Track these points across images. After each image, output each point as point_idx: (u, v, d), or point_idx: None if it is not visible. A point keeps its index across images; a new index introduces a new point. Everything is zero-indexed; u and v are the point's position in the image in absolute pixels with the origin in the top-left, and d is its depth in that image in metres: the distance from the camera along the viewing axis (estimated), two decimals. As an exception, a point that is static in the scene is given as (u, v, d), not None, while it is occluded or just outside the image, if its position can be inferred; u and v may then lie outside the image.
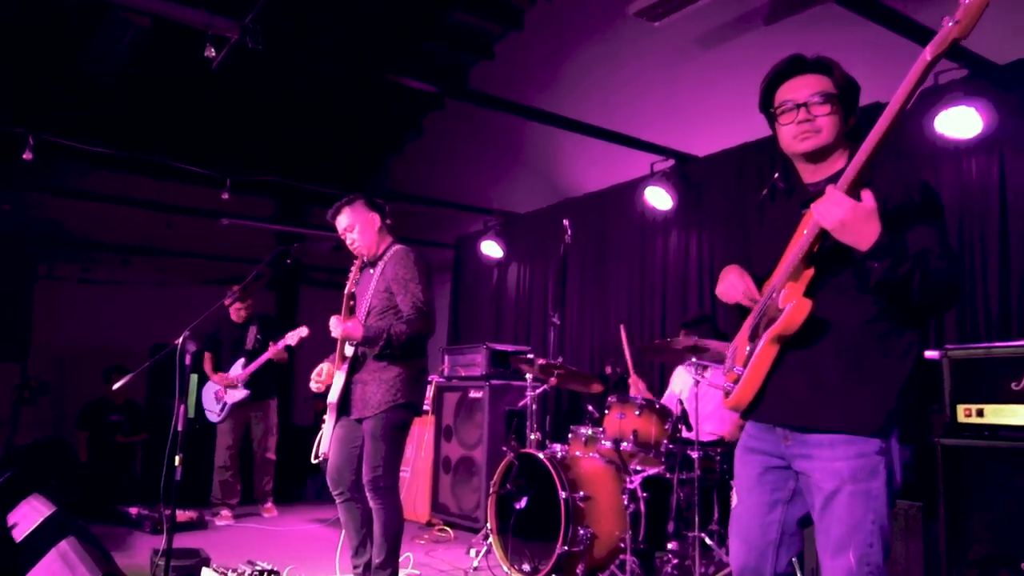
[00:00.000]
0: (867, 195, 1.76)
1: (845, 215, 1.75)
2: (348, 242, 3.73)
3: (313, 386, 3.70)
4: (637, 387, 4.94)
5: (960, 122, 4.03)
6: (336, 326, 3.45)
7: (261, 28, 3.96)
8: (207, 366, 6.42)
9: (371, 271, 3.70)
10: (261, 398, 6.36)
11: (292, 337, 5.93)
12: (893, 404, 1.85)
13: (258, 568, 3.39)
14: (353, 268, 3.60)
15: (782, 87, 2.04)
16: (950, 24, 1.60)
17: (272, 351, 6.09)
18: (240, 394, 6.24)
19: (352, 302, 3.59)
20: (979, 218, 4.17)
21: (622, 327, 5.21)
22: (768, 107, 2.09)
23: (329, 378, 3.66)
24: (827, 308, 1.89)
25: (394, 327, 3.44)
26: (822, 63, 2.01)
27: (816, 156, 2.01)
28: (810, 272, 1.91)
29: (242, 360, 6.30)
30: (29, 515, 3.25)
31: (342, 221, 3.71)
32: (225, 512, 6.19)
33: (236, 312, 6.41)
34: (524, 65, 7.78)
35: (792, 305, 1.87)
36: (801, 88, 1.99)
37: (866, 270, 1.79)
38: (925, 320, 1.92)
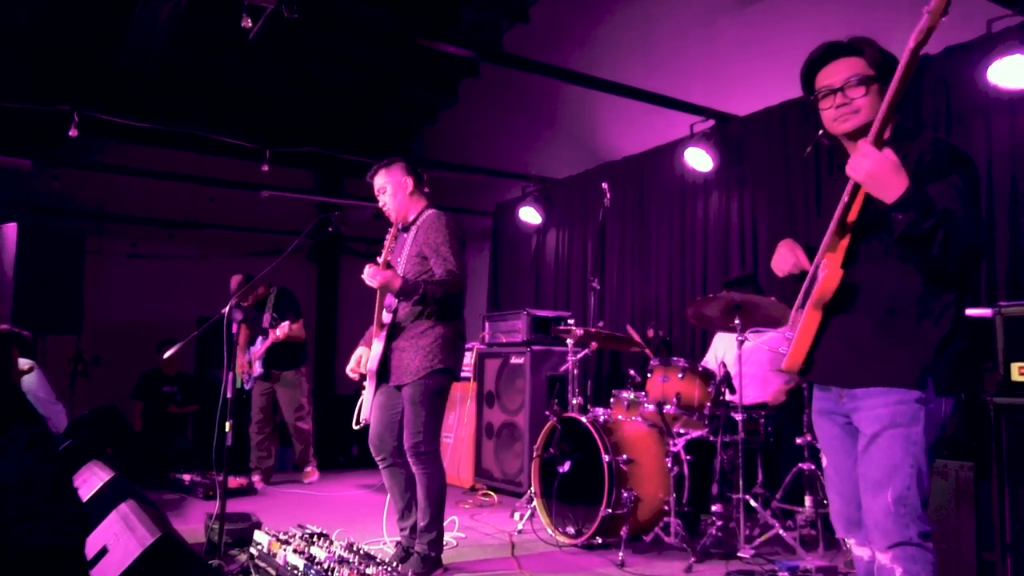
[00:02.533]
0: (888, 150, 1.86)
1: (873, 166, 1.85)
2: (380, 204, 3.77)
3: (351, 374, 3.76)
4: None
5: (1015, 71, 3.87)
6: (375, 274, 3.39)
7: (296, -3, 3.96)
8: (240, 340, 6.59)
9: (405, 236, 3.72)
10: (277, 369, 6.45)
11: (280, 331, 6.20)
12: (930, 360, 1.94)
13: (308, 531, 3.46)
14: (388, 236, 3.61)
15: (820, 73, 2.15)
16: (926, 12, 1.73)
17: (265, 342, 6.32)
18: (257, 371, 6.45)
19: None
20: (1034, 171, 4.03)
21: (628, 327, 5.13)
22: (809, 92, 2.21)
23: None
24: (864, 274, 2.02)
25: (429, 284, 3.45)
26: (854, 46, 2.11)
27: (857, 134, 2.08)
28: (845, 241, 2.03)
29: (260, 338, 6.45)
30: (90, 480, 3.37)
31: (377, 182, 3.75)
32: (256, 477, 6.38)
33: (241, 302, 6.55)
34: (559, 28, 7.67)
35: (825, 274, 2.01)
36: (836, 73, 2.10)
37: (893, 221, 1.87)
38: (962, 279, 2.00)
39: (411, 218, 3.74)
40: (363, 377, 3.72)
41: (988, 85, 3.99)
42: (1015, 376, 3.10)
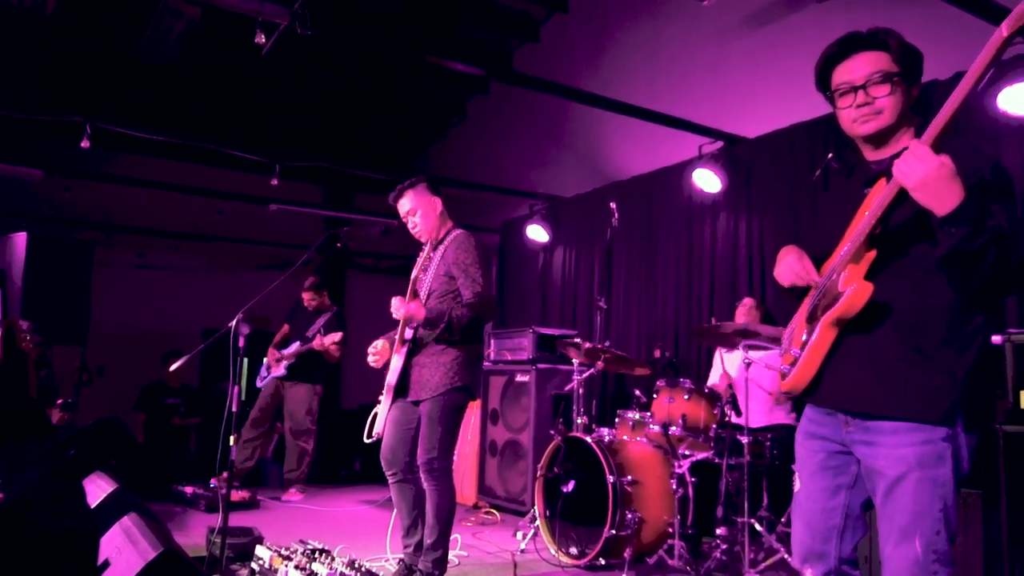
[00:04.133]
0: (946, 157, 1.66)
1: (929, 171, 1.65)
2: (410, 226, 3.74)
3: (371, 359, 3.72)
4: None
5: (1024, 98, 3.88)
6: (399, 307, 3.47)
7: (310, 14, 3.99)
8: (277, 337, 6.76)
9: (432, 254, 3.72)
10: (292, 379, 6.51)
11: (323, 342, 6.31)
12: (958, 391, 1.79)
13: (310, 547, 3.44)
14: (421, 256, 3.64)
15: (839, 67, 1.97)
16: None
17: (303, 347, 6.41)
18: (279, 371, 6.51)
19: (416, 286, 3.63)
20: (1044, 198, 4.02)
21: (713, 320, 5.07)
22: (826, 88, 2.02)
23: (385, 352, 3.68)
24: (889, 291, 1.83)
25: (455, 310, 3.46)
26: (878, 39, 1.92)
27: (879, 137, 1.95)
28: (872, 254, 1.85)
29: (298, 343, 6.51)
30: (93, 492, 3.35)
31: (404, 205, 3.71)
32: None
33: (307, 301, 6.72)
34: (569, 48, 7.72)
35: (852, 288, 1.81)
36: (858, 68, 1.92)
37: (941, 236, 1.69)
38: (992, 303, 1.83)
39: (440, 237, 3.74)
40: (381, 379, 3.71)
41: (998, 111, 4.00)
42: (1024, 404, 3.08)
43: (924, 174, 1.66)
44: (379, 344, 3.73)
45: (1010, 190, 1.82)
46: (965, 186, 1.67)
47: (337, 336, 6.29)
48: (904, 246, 1.84)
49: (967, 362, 1.80)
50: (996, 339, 3.17)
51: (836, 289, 1.90)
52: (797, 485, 2.09)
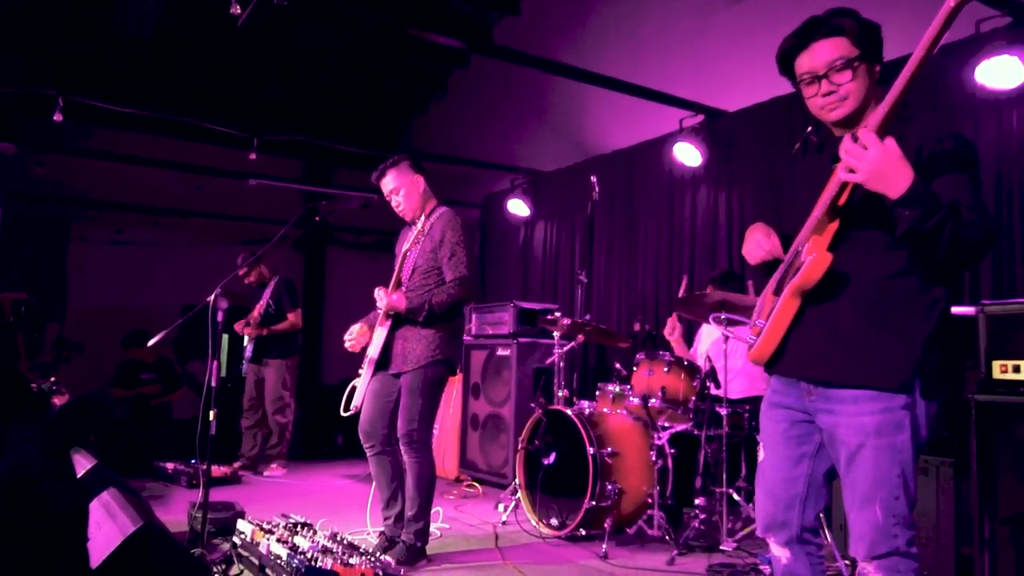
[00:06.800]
0: (891, 141, 1.69)
1: (877, 160, 1.68)
2: (393, 204, 3.73)
3: (347, 345, 3.74)
4: (675, 327, 4.88)
5: (1002, 72, 3.90)
6: (381, 298, 3.54)
7: (286, -16, 3.92)
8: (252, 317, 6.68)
9: (417, 231, 3.70)
10: (259, 359, 6.52)
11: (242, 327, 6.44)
12: (917, 359, 1.83)
13: (292, 521, 3.46)
14: (405, 230, 3.65)
15: (800, 56, 1.99)
16: None
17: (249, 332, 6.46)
18: (247, 354, 6.55)
19: (402, 262, 3.63)
20: (1020, 171, 4.06)
21: (684, 278, 5.10)
22: (790, 75, 2.05)
23: (362, 336, 3.69)
24: (850, 262, 1.87)
25: (435, 297, 3.48)
26: (834, 24, 1.93)
27: (848, 120, 1.96)
28: (834, 226, 1.89)
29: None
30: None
31: (387, 183, 3.70)
32: (237, 464, 6.38)
33: (245, 280, 6.65)
34: (550, 20, 7.65)
35: (812, 258, 1.85)
36: (818, 57, 1.93)
37: (895, 218, 1.73)
38: (953, 274, 1.88)
39: (424, 214, 3.73)
40: (360, 357, 3.72)
41: (976, 85, 4.02)
42: (996, 374, 3.12)
43: (873, 162, 1.68)
44: (355, 329, 3.74)
45: (971, 159, 1.85)
46: (923, 166, 1.71)
47: (255, 313, 6.33)
48: (866, 219, 1.87)
49: (926, 331, 1.84)
50: (969, 310, 3.21)
51: (800, 260, 1.93)
52: (761, 455, 2.12)
